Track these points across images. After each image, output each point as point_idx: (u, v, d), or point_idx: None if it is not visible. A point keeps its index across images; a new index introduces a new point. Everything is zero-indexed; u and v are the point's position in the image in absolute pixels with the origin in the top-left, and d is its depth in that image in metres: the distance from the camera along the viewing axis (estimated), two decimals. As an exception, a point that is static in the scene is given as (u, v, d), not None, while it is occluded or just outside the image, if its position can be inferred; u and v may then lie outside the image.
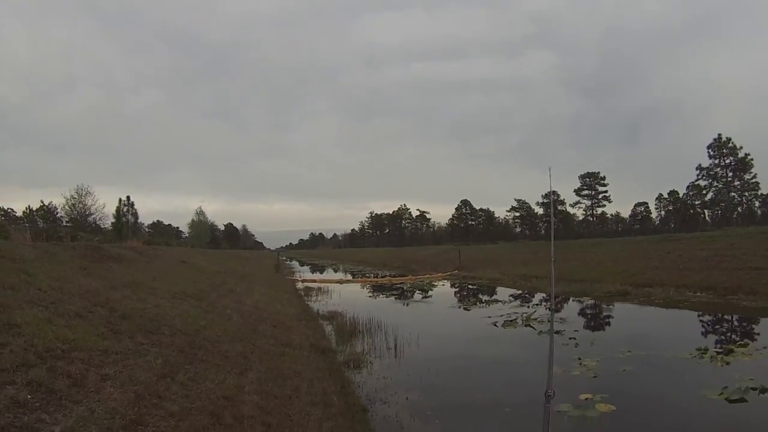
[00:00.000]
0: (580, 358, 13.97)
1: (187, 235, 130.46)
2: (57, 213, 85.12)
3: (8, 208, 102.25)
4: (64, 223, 73.47)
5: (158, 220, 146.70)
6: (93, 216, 78.47)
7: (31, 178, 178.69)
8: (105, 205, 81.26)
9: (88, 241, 29.07)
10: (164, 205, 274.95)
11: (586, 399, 10.56)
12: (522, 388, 11.93)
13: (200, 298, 18.30)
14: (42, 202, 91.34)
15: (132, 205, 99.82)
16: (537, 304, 27.42)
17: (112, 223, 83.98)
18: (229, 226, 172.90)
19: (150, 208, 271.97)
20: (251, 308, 19.18)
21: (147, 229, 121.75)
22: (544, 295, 31.16)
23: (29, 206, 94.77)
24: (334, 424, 8.18)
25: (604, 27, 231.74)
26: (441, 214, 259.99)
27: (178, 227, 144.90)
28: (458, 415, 10.24)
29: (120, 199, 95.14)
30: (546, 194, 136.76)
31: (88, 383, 6.84)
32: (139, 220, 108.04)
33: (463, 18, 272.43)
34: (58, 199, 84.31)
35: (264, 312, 18.98)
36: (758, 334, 17.34)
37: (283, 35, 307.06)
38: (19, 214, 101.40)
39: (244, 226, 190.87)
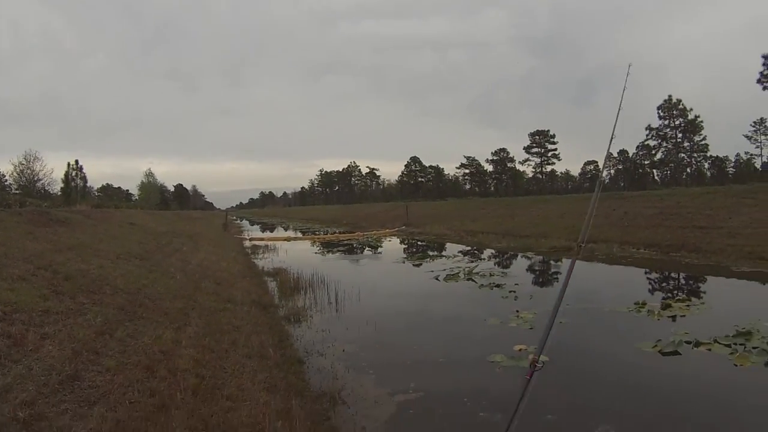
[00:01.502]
0: (518, 311, 14.21)
1: (136, 197, 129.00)
2: (5, 180, 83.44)
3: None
4: (13, 191, 71.90)
5: (108, 184, 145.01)
6: (41, 182, 77.11)
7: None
8: (53, 170, 79.76)
9: (37, 206, 28.66)
10: (115, 168, 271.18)
11: (520, 350, 10.79)
12: (457, 341, 12.14)
13: (145, 258, 18.27)
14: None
15: (81, 169, 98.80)
16: (481, 259, 27.73)
17: (61, 188, 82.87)
18: (179, 187, 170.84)
19: (100, 172, 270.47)
20: (195, 267, 19.25)
21: (96, 193, 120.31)
22: (491, 251, 31.47)
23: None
24: (268, 375, 8.33)
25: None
26: (391, 171, 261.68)
27: (128, 190, 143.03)
28: (393, 366, 10.39)
29: (68, 164, 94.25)
30: (496, 151, 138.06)
31: (27, 343, 6.99)
32: (88, 184, 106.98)
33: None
34: (6, 166, 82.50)
35: (208, 270, 19.05)
36: (699, 290, 17.74)
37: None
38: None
39: (194, 186, 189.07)
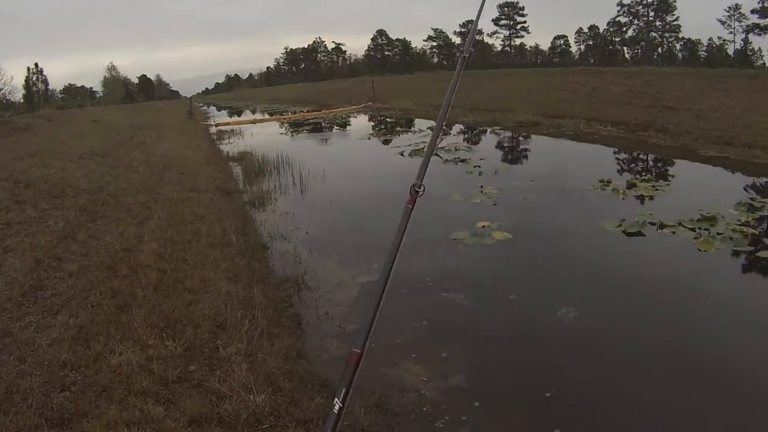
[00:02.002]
0: (481, 186, 14.35)
1: (101, 94, 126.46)
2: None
3: None
4: (-26, 103, 69.96)
5: (71, 84, 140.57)
6: (2, 91, 75.03)
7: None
8: (13, 78, 77.70)
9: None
10: (76, 66, 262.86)
11: (483, 227, 10.93)
12: (421, 218, 12.30)
13: (108, 155, 18.05)
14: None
15: (41, 72, 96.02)
16: (447, 134, 27.34)
17: (22, 94, 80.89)
18: (143, 79, 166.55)
19: (62, 71, 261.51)
20: (159, 158, 19.08)
21: (60, 95, 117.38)
22: (458, 126, 30.99)
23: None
24: (231, 264, 8.44)
25: None
26: (357, 46, 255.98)
27: (91, 87, 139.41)
28: (356, 248, 10.49)
29: (28, 68, 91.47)
30: (463, 23, 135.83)
31: (-12, 258, 7.00)
32: (50, 87, 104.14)
33: None
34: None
35: (172, 160, 18.91)
36: (665, 171, 17.63)
37: None
38: None
39: (158, 76, 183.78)
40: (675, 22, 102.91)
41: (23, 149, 16.16)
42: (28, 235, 8.12)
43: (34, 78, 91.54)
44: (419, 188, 2.85)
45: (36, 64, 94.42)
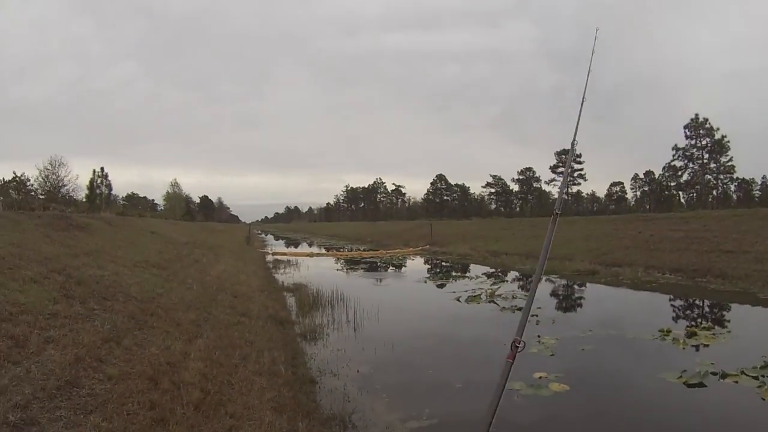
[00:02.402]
0: (539, 336, 13.87)
1: (161, 207, 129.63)
2: (30, 185, 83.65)
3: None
4: (39, 195, 72.07)
5: (133, 192, 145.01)
6: (66, 188, 76.90)
7: (6, 151, 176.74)
8: (78, 176, 79.83)
9: (60, 211, 28.72)
10: (140, 177, 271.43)
11: (540, 378, 10.47)
12: (476, 365, 11.86)
13: (163, 267, 18.17)
14: (14, 173, 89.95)
15: (106, 176, 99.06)
16: (504, 281, 27.20)
17: (85, 194, 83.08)
18: (205, 199, 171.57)
19: (126, 181, 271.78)
20: (214, 278, 19.08)
21: (122, 201, 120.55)
22: (514, 273, 30.97)
23: (2, 178, 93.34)
24: (277, 394, 8.10)
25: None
26: (416, 188, 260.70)
27: (153, 200, 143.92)
28: (407, 390, 10.14)
29: (94, 171, 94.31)
30: (522, 170, 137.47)
31: (30, 345, 6.86)
32: (113, 192, 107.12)
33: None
34: (31, 171, 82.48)
35: (226, 282, 18.87)
36: (724, 318, 17.21)
37: (257, 4, 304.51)
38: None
39: (219, 198, 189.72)
40: (729, 163, 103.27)
41: (80, 247, 16.25)
42: (72, 330, 7.91)
43: (99, 181, 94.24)
44: (519, 344, 2.72)
45: (102, 168, 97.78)
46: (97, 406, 5.90)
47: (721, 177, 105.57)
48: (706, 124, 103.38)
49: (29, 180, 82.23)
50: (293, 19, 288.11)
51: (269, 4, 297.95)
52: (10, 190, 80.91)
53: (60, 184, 75.39)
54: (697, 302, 20.23)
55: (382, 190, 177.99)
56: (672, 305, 19.89)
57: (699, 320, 16.70)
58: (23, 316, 7.71)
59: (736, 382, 9.94)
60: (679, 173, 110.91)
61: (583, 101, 3.87)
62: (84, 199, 77.88)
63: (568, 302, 21.94)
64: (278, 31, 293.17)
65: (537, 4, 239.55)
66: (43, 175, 74.97)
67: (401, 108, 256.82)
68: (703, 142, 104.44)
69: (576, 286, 25.19)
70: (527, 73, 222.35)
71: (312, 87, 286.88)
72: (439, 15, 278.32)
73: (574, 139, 3.72)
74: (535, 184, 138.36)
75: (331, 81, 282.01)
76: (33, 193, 74.63)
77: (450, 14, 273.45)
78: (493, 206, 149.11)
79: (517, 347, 2.64)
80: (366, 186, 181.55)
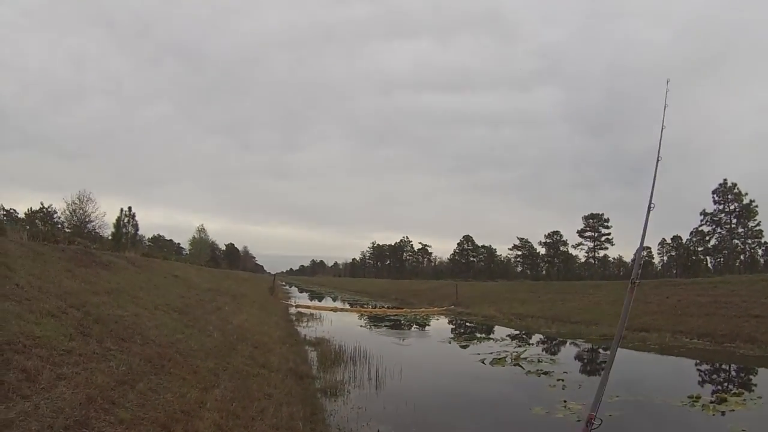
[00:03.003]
0: (565, 401, 13.56)
1: (187, 251, 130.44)
2: (56, 216, 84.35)
3: (10, 209, 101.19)
4: (65, 228, 72.64)
5: (159, 234, 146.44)
6: (92, 223, 77.50)
7: (38, 181, 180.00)
8: (105, 213, 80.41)
9: (85, 247, 28.77)
10: (167, 219, 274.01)
11: (568, 445, 10.09)
12: (499, 429, 11.75)
13: (184, 312, 18.11)
14: (42, 204, 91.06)
15: (133, 216, 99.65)
16: (529, 344, 26.88)
17: (111, 232, 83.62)
18: (230, 246, 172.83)
19: (152, 222, 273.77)
20: (235, 327, 19.00)
21: (147, 242, 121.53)
22: (540, 336, 30.71)
23: (30, 208, 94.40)
24: (293, 452, 7.87)
25: (607, 63, 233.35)
26: (443, 248, 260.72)
27: (179, 243, 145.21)
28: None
29: (121, 209, 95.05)
30: (549, 234, 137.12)
31: (41, 380, 6.71)
32: (139, 232, 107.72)
33: (473, 49, 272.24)
34: (59, 204, 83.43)
35: (247, 332, 18.78)
36: (754, 383, 16.96)
37: (294, 56, 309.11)
38: (21, 215, 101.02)
39: (245, 247, 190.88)
40: (757, 227, 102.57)
41: (101, 285, 16.13)
42: (86, 369, 7.75)
43: (125, 220, 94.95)
44: (595, 420, 2.46)
45: (129, 208, 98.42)
46: (106, 451, 5.66)
47: (749, 241, 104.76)
48: (734, 189, 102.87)
49: (56, 212, 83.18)
50: (329, 73, 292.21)
51: (306, 57, 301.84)
52: (37, 221, 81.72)
53: (87, 220, 76.05)
54: (725, 367, 20.02)
55: (409, 248, 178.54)
56: (700, 371, 19.70)
57: (728, 386, 16.48)
58: (37, 349, 7.56)
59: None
60: (707, 238, 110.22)
61: (658, 160, 3.71)
62: (110, 237, 78.28)
63: (594, 366, 21.51)
64: (314, 84, 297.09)
65: (564, 68, 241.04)
66: (71, 209, 75.68)
67: (430, 168, 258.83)
68: (731, 207, 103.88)
69: (602, 351, 24.82)
70: (554, 137, 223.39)
71: (345, 142, 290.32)
72: (470, 77, 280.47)
73: (650, 202, 3.55)
74: (561, 248, 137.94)
75: (363, 137, 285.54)
76: (59, 226, 75.20)
77: (480, 76, 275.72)
78: (520, 269, 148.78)
79: (592, 424, 2.36)
80: (392, 244, 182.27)
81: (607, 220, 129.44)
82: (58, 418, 5.89)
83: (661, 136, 4.06)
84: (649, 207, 3.38)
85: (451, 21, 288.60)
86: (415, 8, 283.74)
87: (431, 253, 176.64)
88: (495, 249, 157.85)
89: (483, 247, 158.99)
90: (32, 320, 8.79)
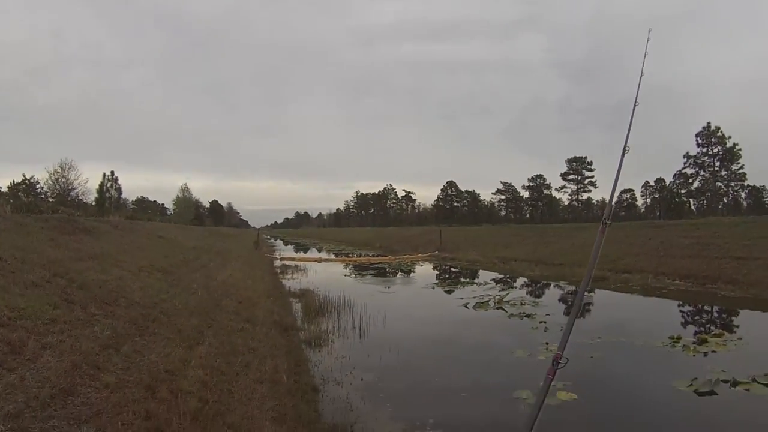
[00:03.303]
0: (547, 343, 13.71)
1: (171, 211, 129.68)
2: (39, 187, 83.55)
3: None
4: (49, 198, 71.99)
5: (143, 196, 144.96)
6: (76, 191, 76.68)
7: (19, 154, 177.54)
8: (88, 180, 79.62)
9: (69, 215, 28.65)
10: (151, 181, 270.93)
11: (548, 386, 10.36)
12: (482, 373, 11.79)
13: (168, 272, 18.16)
14: (24, 176, 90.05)
15: (116, 180, 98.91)
16: (512, 287, 27.15)
17: (95, 198, 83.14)
18: (214, 204, 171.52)
19: (136, 185, 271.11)
20: (219, 284, 19.00)
21: (131, 205, 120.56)
22: (523, 279, 31.09)
23: (13, 181, 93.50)
24: (278, 403, 7.99)
25: (592, 10, 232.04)
26: (427, 195, 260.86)
27: (163, 204, 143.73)
28: (412, 398, 10.05)
29: (104, 174, 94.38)
30: (532, 177, 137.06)
31: (26, 351, 6.75)
32: (123, 196, 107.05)
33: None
34: (41, 174, 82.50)
35: (232, 288, 18.78)
36: (735, 324, 17.15)
37: (276, 13, 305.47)
38: (4, 189, 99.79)
39: (229, 203, 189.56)
40: (740, 171, 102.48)
41: (85, 251, 16.23)
42: (70, 336, 7.80)
43: (108, 185, 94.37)
44: (561, 360, 2.57)
45: (112, 172, 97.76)
46: (92, 416, 5.78)
47: (732, 184, 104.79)
48: (717, 132, 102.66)
49: (39, 183, 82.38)
50: (311, 28, 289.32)
51: (288, 14, 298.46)
52: (20, 193, 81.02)
53: (69, 188, 75.23)
54: (707, 309, 20.26)
55: (392, 196, 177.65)
56: (682, 312, 19.90)
57: (709, 327, 16.62)
58: (22, 321, 7.59)
59: (748, 389, 9.87)
60: (690, 181, 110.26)
61: (635, 105, 3.80)
62: (93, 203, 77.81)
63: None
64: (296, 40, 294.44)
65: (549, 15, 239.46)
66: (53, 179, 74.87)
67: (414, 116, 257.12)
68: (715, 150, 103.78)
69: (585, 293, 24.87)
70: (537, 82, 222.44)
71: (327, 96, 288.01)
72: (453, 26, 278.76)
73: (625, 145, 3.63)
74: (545, 191, 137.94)
75: (346, 90, 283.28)
76: (42, 197, 74.51)
77: (464, 25, 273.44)
78: (503, 213, 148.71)
79: (559, 363, 2.47)
80: (376, 192, 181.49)
81: (591, 163, 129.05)
82: (44, 387, 5.95)
83: (639, 83, 4.16)
84: (624, 150, 3.46)
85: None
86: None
87: (415, 200, 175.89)
88: (479, 194, 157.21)
89: (467, 192, 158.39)
90: (17, 292, 8.82)
